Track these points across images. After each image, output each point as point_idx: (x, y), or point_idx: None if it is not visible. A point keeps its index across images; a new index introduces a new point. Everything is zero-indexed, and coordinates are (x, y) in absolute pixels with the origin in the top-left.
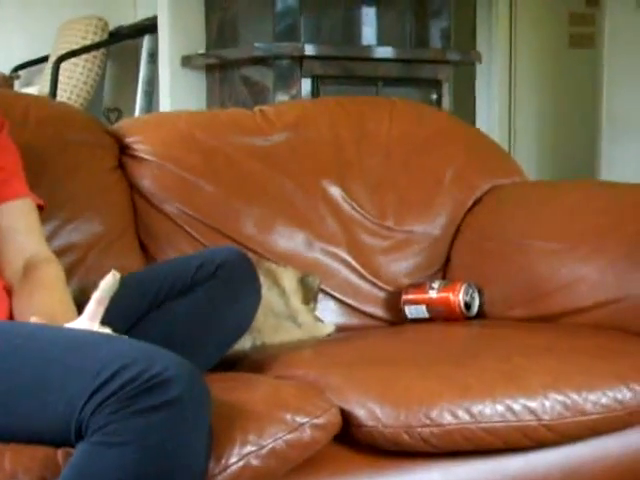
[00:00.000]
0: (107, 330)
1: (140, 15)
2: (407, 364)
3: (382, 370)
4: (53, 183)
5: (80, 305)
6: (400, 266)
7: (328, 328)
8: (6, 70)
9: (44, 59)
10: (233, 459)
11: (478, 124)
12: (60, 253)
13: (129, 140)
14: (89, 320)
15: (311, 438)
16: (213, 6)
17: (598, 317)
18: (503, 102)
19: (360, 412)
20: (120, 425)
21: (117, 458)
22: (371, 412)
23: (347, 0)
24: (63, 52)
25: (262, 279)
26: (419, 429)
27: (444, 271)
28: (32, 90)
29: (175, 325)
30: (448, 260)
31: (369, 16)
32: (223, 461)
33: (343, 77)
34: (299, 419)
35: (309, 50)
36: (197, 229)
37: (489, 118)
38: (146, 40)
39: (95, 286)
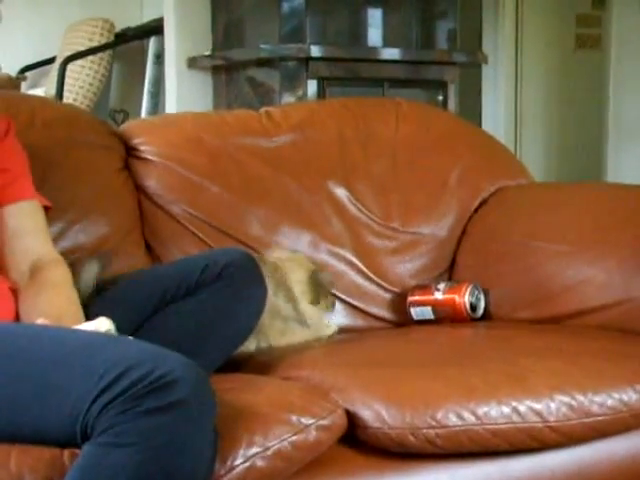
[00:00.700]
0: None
1: (146, 17)
2: (413, 365)
3: (388, 371)
4: (59, 184)
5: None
6: (406, 267)
7: (331, 329)
8: (13, 72)
9: (50, 61)
10: (239, 460)
11: (484, 125)
12: (67, 254)
13: (135, 141)
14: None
15: (317, 439)
16: (219, 7)
17: (604, 319)
18: (509, 103)
19: (366, 413)
20: (126, 426)
21: (123, 459)
22: (377, 413)
23: (353, 1)
24: (69, 54)
25: (267, 280)
26: (425, 430)
27: (450, 272)
28: (38, 92)
29: (181, 326)
30: (454, 261)
31: (375, 17)
32: (229, 462)
33: (349, 78)
34: (305, 420)
35: (315, 51)
36: (203, 230)
37: (495, 119)
38: (152, 41)
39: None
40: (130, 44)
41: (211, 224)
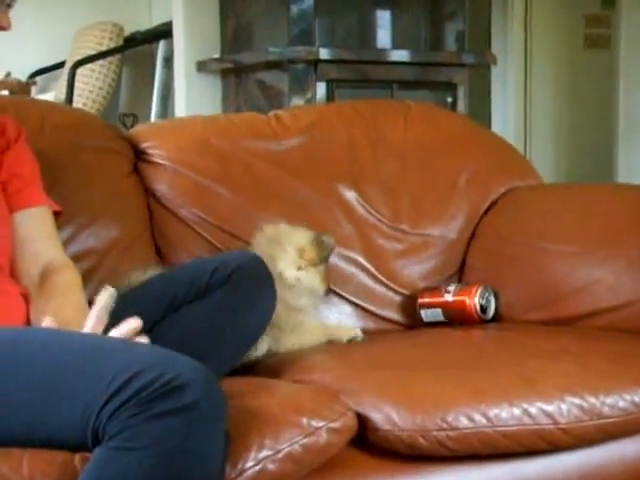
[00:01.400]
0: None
1: (155, 20)
2: (423, 368)
3: (398, 374)
4: (69, 189)
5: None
6: (416, 270)
7: (354, 332)
8: (23, 76)
9: (60, 65)
10: (249, 463)
11: (493, 127)
12: (77, 258)
13: (145, 145)
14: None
15: (327, 442)
16: (228, 11)
17: (615, 320)
18: (518, 104)
19: (376, 416)
20: (136, 430)
21: (134, 463)
22: (387, 416)
23: (362, 3)
24: (79, 58)
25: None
26: (435, 433)
27: (460, 274)
28: (48, 96)
29: (191, 329)
30: (464, 263)
31: (384, 19)
32: (239, 465)
33: (358, 81)
34: (315, 423)
35: (324, 54)
36: (212, 234)
37: (504, 121)
38: (161, 45)
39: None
40: (139, 48)
41: (221, 227)
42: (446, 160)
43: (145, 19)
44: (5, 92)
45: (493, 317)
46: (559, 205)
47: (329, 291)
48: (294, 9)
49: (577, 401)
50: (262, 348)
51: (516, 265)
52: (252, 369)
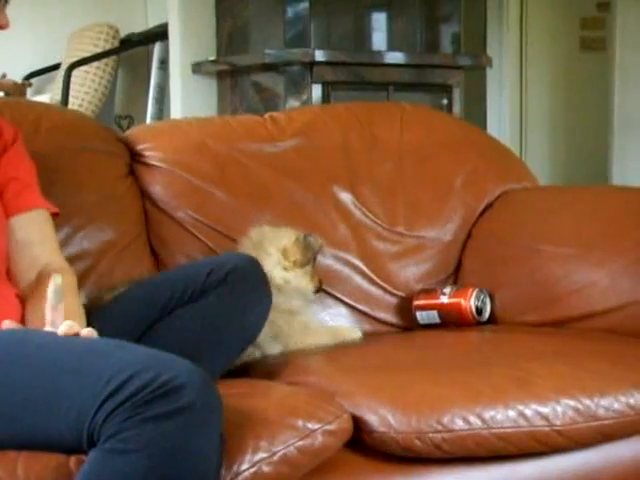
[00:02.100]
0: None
1: (151, 22)
2: (418, 370)
3: (393, 376)
4: (65, 191)
5: (91, 312)
6: (411, 272)
7: (356, 333)
8: (18, 78)
9: (55, 67)
10: (245, 466)
11: (489, 129)
12: (72, 260)
13: (140, 147)
14: (51, 327)
15: (322, 444)
16: (224, 13)
17: (610, 322)
18: (514, 107)
19: (371, 418)
20: (132, 432)
21: (129, 465)
22: (382, 418)
23: (357, 6)
24: (74, 60)
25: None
26: (431, 435)
27: (455, 276)
28: (44, 98)
29: (186, 331)
30: (459, 265)
31: (379, 22)
32: (235, 468)
33: (353, 83)
34: (311, 425)
35: (319, 56)
36: (208, 235)
37: (500, 123)
38: (157, 47)
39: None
40: (135, 50)
41: (216, 229)
42: (442, 162)
43: (141, 21)
44: (0, 94)
45: (488, 319)
46: (555, 207)
47: (320, 290)
48: (290, 11)
49: (572, 403)
50: (273, 349)
51: (512, 267)
52: (247, 371)
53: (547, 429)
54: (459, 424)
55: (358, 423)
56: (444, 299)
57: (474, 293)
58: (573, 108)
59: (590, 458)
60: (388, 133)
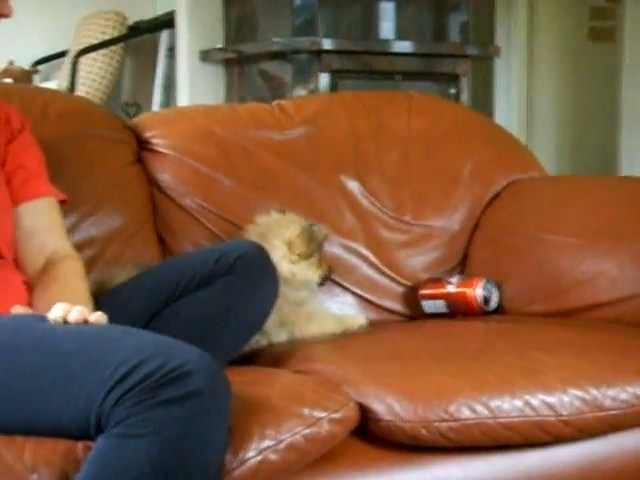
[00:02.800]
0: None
1: (159, 10)
2: (425, 359)
3: (400, 365)
4: (72, 178)
5: (99, 298)
6: (418, 261)
7: (361, 320)
8: (26, 65)
9: (63, 54)
10: (251, 453)
11: (497, 118)
12: (80, 247)
13: (148, 134)
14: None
15: (329, 433)
16: (231, 1)
17: (617, 312)
18: (522, 96)
19: (378, 406)
20: (140, 418)
21: (137, 450)
22: (389, 406)
23: None
24: (82, 47)
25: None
26: (437, 424)
27: (462, 266)
28: (51, 85)
29: (193, 318)
30: (466, 255)
31: (387, 10)
32: (240, 455)
33: (361, 71)
34: (317, 413)
35: (327, 44)
36: (215, 223)
37: (508, 112)
38: (164, 35)
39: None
40: (142, 37)
41: (223, 217)
42: (449, 151)
43: (149, 8)
44: (9, 80)
45: (495, 309)
46: (562, 197)
47: (328, 278)
48: None
49: (579, 393)
50: (280, 337)
51: (519, 257)
52: (253, 359)
53: (553, 419)
54: (465, 413)
55: (364, 411)
56: (451, 288)
57: (481, 283)
58: (581, 98)
59: (595, 448)
60: (396, 122)
